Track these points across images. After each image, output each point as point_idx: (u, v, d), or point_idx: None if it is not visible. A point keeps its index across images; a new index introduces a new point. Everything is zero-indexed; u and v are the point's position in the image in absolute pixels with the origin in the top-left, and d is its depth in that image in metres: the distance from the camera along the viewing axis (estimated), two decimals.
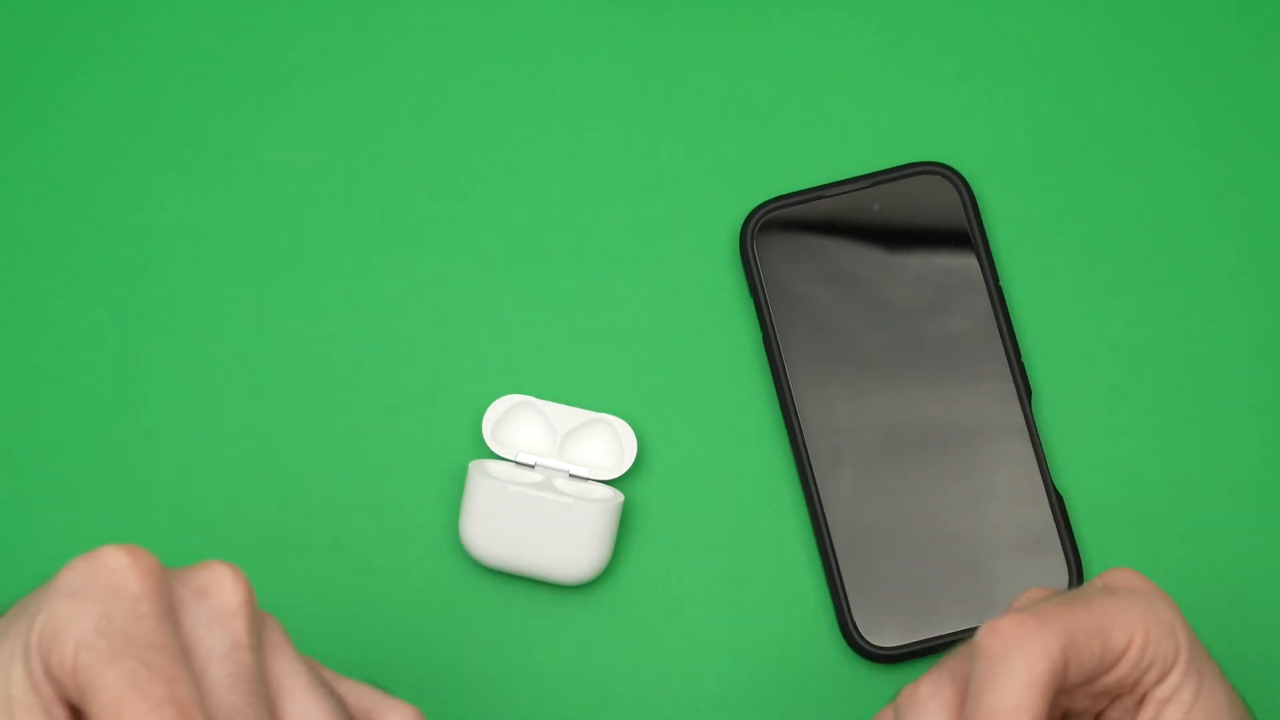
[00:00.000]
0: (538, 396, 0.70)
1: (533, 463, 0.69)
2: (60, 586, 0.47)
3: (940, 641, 0.67)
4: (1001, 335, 0.69)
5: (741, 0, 0.73)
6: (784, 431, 0.69)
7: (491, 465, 0.68)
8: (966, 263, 0.69)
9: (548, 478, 0.68)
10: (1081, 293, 0.70)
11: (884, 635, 0.67)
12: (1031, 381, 0.70)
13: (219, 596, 0.48)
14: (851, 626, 0.67)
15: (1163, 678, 0.54)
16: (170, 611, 0.47)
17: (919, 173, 0.70)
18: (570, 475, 0.69)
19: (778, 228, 0.70)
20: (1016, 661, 0.51)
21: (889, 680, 0.68)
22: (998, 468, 0.68)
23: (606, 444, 0.69)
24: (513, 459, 0.69)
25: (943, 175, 0.70)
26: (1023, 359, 0.69)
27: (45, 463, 0.70)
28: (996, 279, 0.69)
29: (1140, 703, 0.54)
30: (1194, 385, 0.70)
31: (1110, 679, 0.54)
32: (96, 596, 0.46)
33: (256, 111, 0.72)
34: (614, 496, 0.67)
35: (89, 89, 0.72)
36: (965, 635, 0.67)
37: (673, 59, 0.72)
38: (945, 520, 0.68)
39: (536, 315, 0.70)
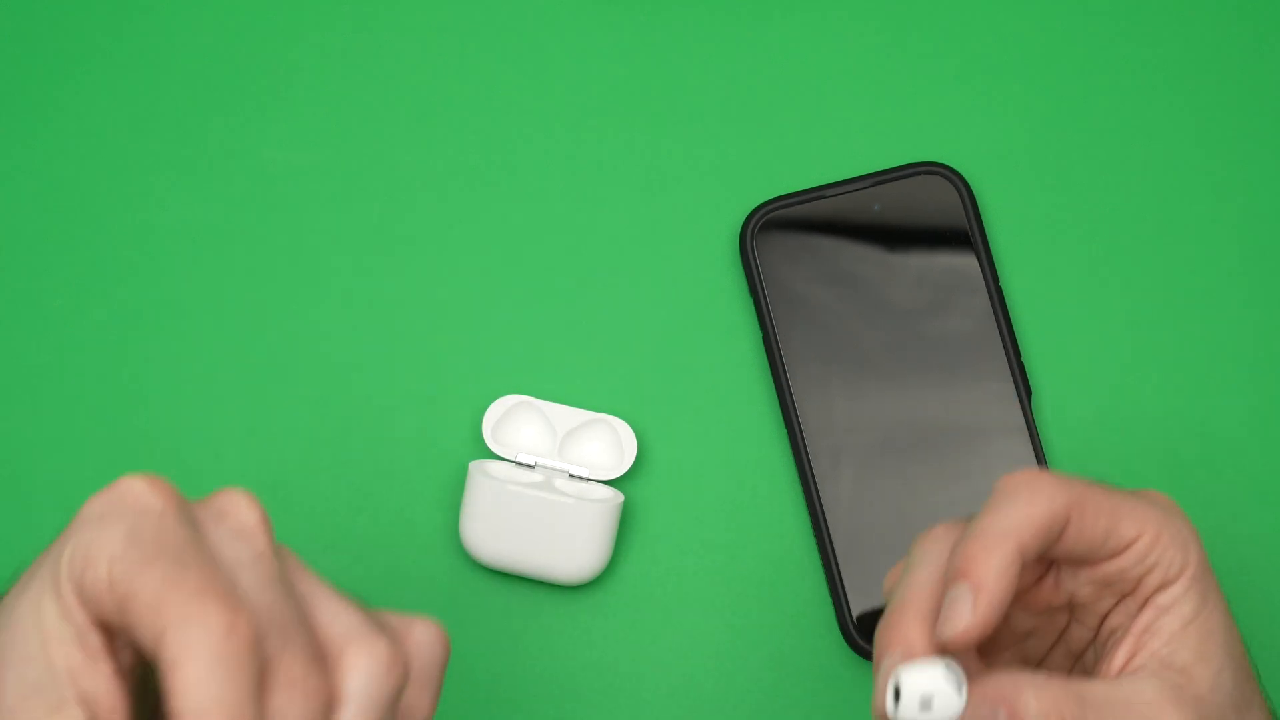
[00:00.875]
0: (537, 396, 0.70)
1: (533, 463, 0.69)
2: (84, 516, 0.48)
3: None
4: (1001, 335, 0.69)
5: (741, 0, 0.73)
6: (784, 431, 0.69)
7: (491, 465, 0.68)
8: (966, 263, 0.69)
9: (548, 478, 0.68)
10: (1081, 293, 0.70)
11: None
12: (1031, 381, 0.70)
13: (237, 516, 0.49)
14: (851, 626, 0.67)
15: (1165, 585, 0.54)
16: (194, 521, 0.48)
17: (919, 173, 0.70)
18: (570, 475, 0.69)
19: (778, 228, 0.70)
20: (1021, 497, 0.53)
21: None
22: (998, 468, 0.68)
23: (606, 444, 0.69)
24: (513, 459, 0.69)
25: (943, 175, 0.70)
26: (1023, 359, 0.69)
27: (45, 463, 0.70)
28: (996, 279, 0.69)
29: (1142, 607, 0.55)
30: (1194, 385, 0.70)
31: (1113, 567, 0.55)
32: (122, 515, 0.47)
33: (256, 111, 0.72)
34: (614, 496, 0.67)
35: (89, 89, 0.72)
36: None
37: (673, 59, 0.72)
38: (945, 520, 0.68)
39: (536, 315, 0.70)
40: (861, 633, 0.67)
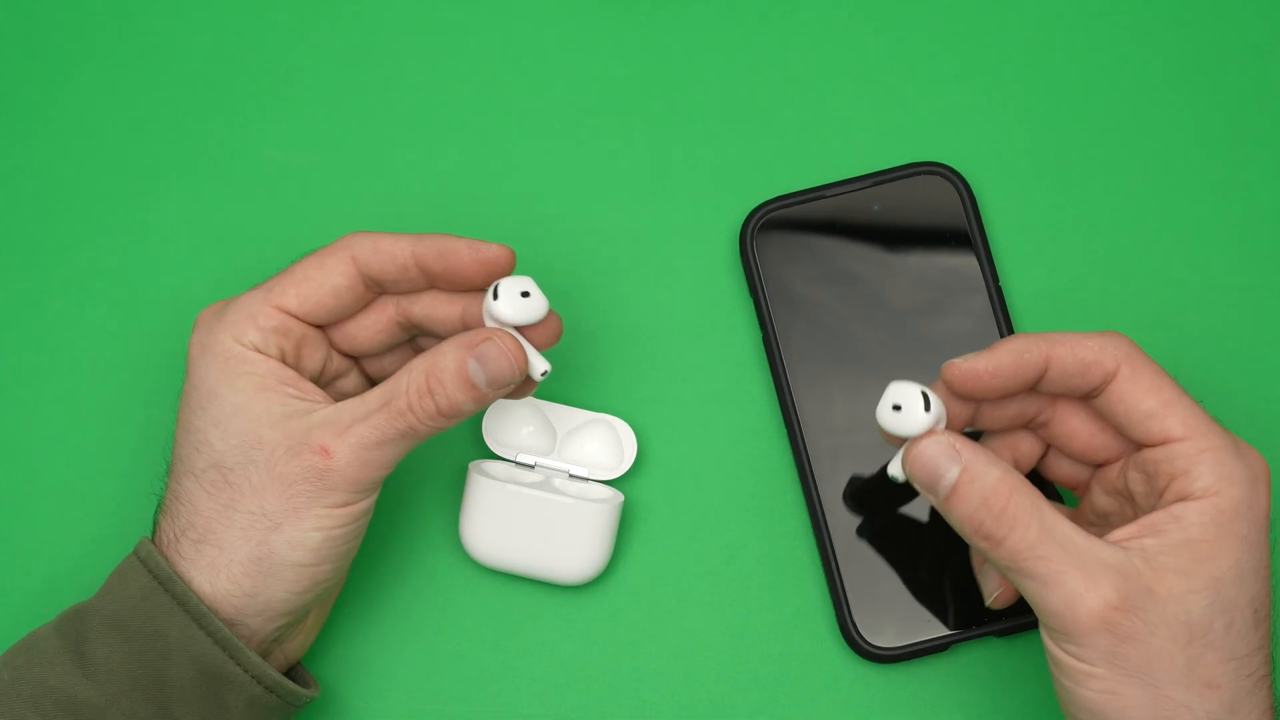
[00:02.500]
0: (538, 397, 0.70)
1: (532, 463, 0.68)
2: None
3: (940, 641, 0.67)
4: (1001, 335, 0.69)
5: (741, 0, 0.73)
6: (784, 431, 0.69)
7: (491, 465, 0.68)
8: (966, 262, 0.69)
9: (547, 478, 0.68)
10: (1081, 293, 0.70)
11: (884, 635, 0.67)
12: None
13: None
14: (851, 626, 0.67)
15: (1185, 497, 0.57)
16: None
17: (919, 173, 0.70)
18: (570, 475, 0.69)
19: (778, 228, 0.70)
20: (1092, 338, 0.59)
21: (889, 680, 0.68)
22: None
23: (606, 444, 0.69)
24: (512, 459, 0.69)
25: (943, 175, 0.70)
26: None
27: (45, 463, 0.70)
28: (996, 279, 0.69)
29: (1160, 507, 0.57)
30: (1193, 386, 0.70)
31: (1149, 456, 0.58)
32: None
33: (256, 111, 0.72)
34: (614, 496, 0.67)
35: (89, 89, 0.72)
36: (965, 635, 0.67)
37: (673, 59, 0.72)
38: (945, 520, 0.68)
39: None
40: (861, 633, 0.67)
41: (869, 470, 0.68)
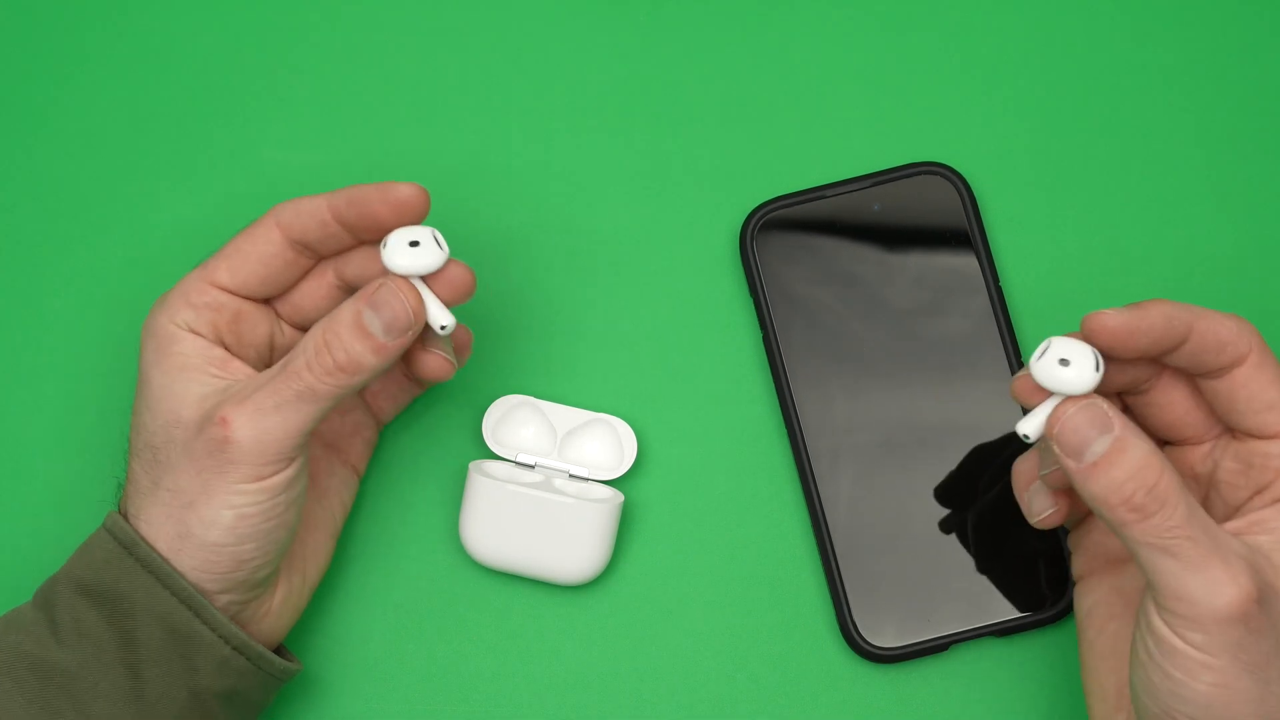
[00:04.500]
0: (538, 396, 0.70)
1: (533, 463, 0.68)
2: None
3: (940, 641, 0.67)
4: (1001, 335, 0.69)
5: (741, 1, 0.73)
6: (784, 431, 0.69)
7: (491, 465, 0.68)
8: (966, 262, 0.69)
9: (547, 478, 0.68)
10: (1081, 293, 0.70)
11: (884, 635, 0.67)
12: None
13: None
14: (851, 626, 0.67)
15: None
16: None
17: (919, 173, 0.70)
18: (570, 475, 0.69)
19: (778, 228, 0.70)
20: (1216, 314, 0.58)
21: (889, 680, 0.68)
22: (997, 467, 0.68)
23: (606, 444, 0.69)
24: (513, 459, 0.69)
25: (943, 175, 0.70)
26: (1023, 359, 0.69)
27: (45, 463, 0.70)
28: (996, 279, 0.69)
29: (1270, 504, 0.57)
30: None
31: (1259, 449, 0.57)
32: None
33: (256, 111, 0.72)
34: (614, 497, 0.67)
35: (89, 89, 0.72)
36: (965, 635, 0.67)
37: (673, 59, 0.72)
38: (945, 519, 0.68)
39: (537, 316, 0.70)
40: (861, 633, 0.67)
41: (869, 470, 0.68)
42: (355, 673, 0.68)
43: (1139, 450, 0.54)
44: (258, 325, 0.63)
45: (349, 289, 0.64)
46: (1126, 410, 0.62)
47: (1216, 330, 0.57)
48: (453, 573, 0.69)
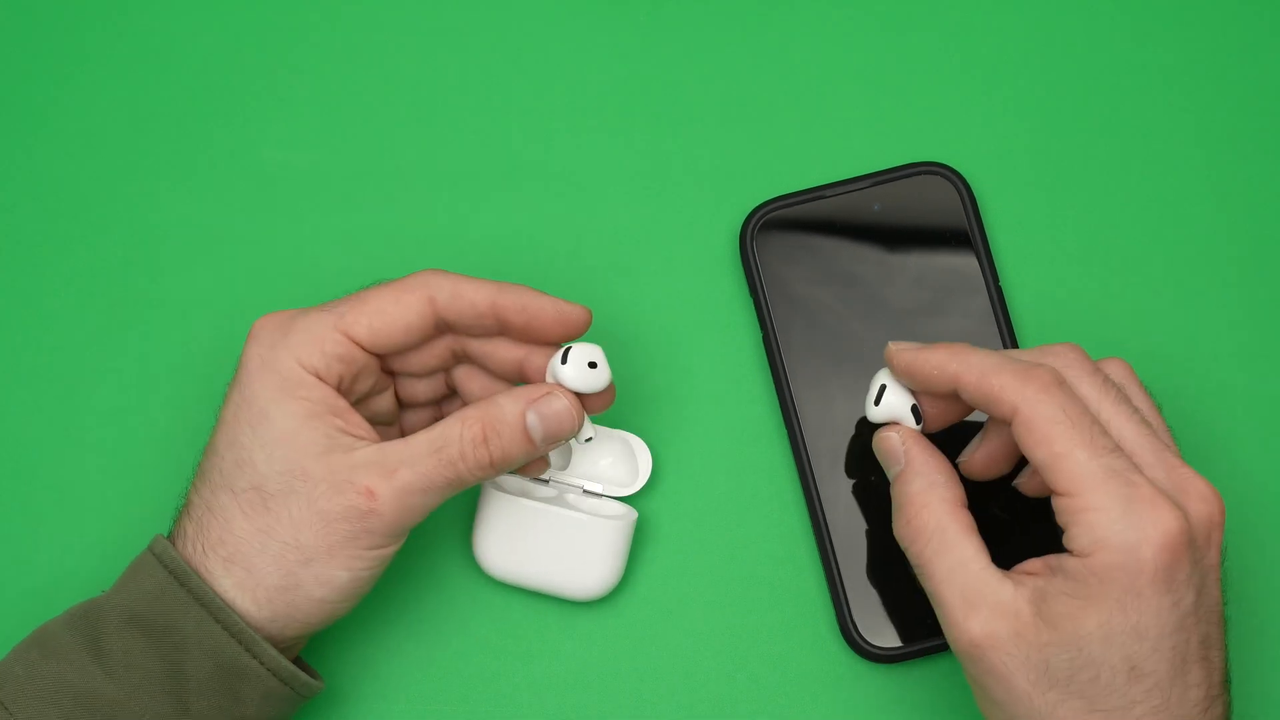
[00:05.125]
0: None
1: (547, 478, 0.68)
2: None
3: (940, 641, 0.67)
4: (1001, 335, 0.69)
5: (741, 0, 0.73)
6: (784, 431, 0.69)
7: (505, 479, 0.68)
8: (966, 262, 0.69)
9: (561, 493, 0.68)
10: (1081, 293, 0.70)
11: (884, 635, 0.67)
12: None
13: None
14: (851, 626, 0.67)
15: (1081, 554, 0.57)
16: None
17: (919, 173, 0.70)
18: (584, 491, 0.68)
19: (778, 228, 0.70)
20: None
21: (889, 680, 0.68)
22: None
23: (621, 460, 0.69)
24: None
25: (943, 175, 0.70)
26: None
27: (45, 463, 0.70)
28: (996, 279, 0.69)
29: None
30: (1193, 386, 0.70)
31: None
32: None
33: (256, 111, 0.72)
34: (628, 514, 0.67)
35: (89, 89, 0.72)
36: None
37: (673, 59, 0.72)
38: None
39: None
40: (861, 633, 0.67)
41: (869, 470, 0.68)
42: (368, 685, 0.68)
43: (911, 486, 0.60)
44: (369, 376, 0.63)
45: (463, 356, 0.64)
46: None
47: (980, 386, 0.59)
48: (465, 586, 0.69)
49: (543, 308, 0.62)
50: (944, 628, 0.58)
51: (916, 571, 0.59)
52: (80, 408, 0.70)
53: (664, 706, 0.68)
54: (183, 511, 0.62)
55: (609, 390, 0.63)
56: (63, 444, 0.70)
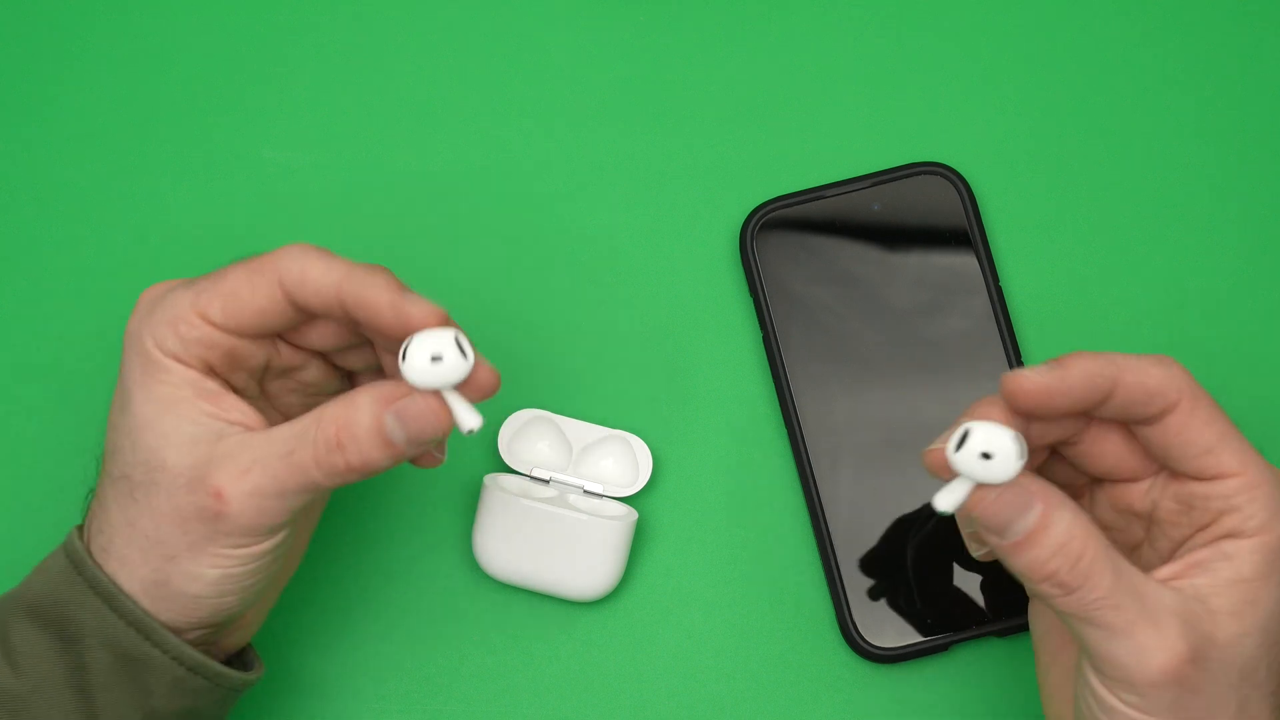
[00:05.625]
0: (541, 400, 0.69)
1: (547, 478, 0.68)
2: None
3: (940, 641, 0.67)
4: (1001, 335, 0.69)
5: (741, 0, 0.72)
6: (784, 431, 0.69)
7: (506, 479, 0.68)
8: (966, 263, 0.69)
9: (562, 493, 0.68)
10: (1081, 293, 0.70)
11: (884, 635, 0.67)
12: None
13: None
14: (851, 626, 0.67)
15: (1237, 535, 0.55)
16: None
17: (919, 173, 0.70)
18: (585, 491, 0.68)
19: (778, 228, 0.70)
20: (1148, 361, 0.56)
21: (889, 680, 0.68)
22: None
23: (622, 460, 0.69)
24: (528, 474, 0.69)
25: (943, 175, 0.70)
26: (1022, 359, 0.69)
27: (45, 462, 0.70)
28: (996, 279, 0.69)
29: (1207, 544, 0.56)
30: None
31: (1199, 490, 0.56)
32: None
33: (257, 111, 0.72)
34: (628, 514, 0.67)
35: (89, 89, 0.72)
36: (965, 635, 0.67)
37: (673, 59, 0.72)
38: (945, 520, 0.68)
39: (535, 317, 0.70)
40: (861, 633, 0.67)
41: (869, 470, 0.68)
42: (367, 684, 0.68)
43: (1061, 526, 0.53)
44: (253, 353, 0.59)
45: (357, 333, 0.59)
46: (1056, 457, 0.60)
47: (1143, 382, 0.55)
48: (465, 586, 0.69)
49: (379, 306, 0.55)
50: (1132, 662, 0.53)
51: (1082, 614, 0.53)
52: (80, 407, 0.70)
53: (664, 706, 0.68)
54: (88, 498, 0.60)
55: (480, 375, 0.55)
56: (61, 443, 0.70)
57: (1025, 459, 0.53)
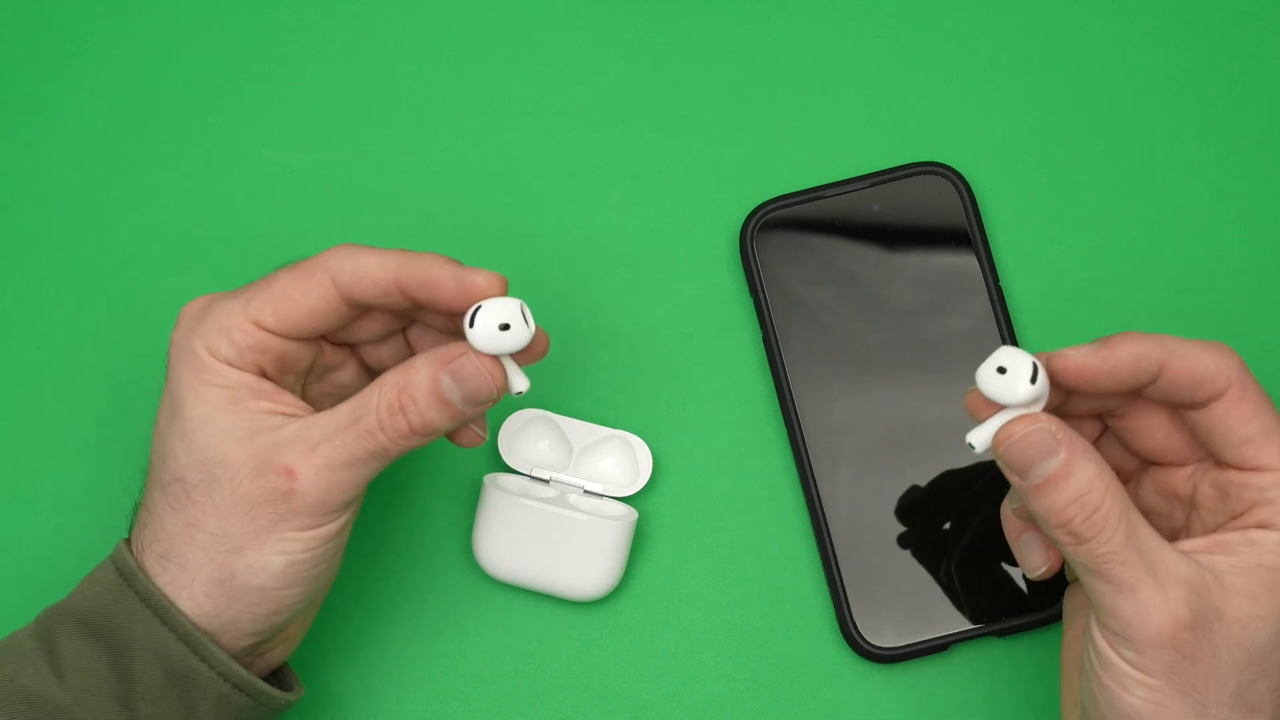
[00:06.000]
0: (541, 399, 0.69)
1: (547, 478, 0.68)
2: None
3: (940, 641, 0.67)
4: (1001, 335, 0.69)
5: (741, 0, 0.72)
6: (784, 431, 0.69)
7: (506, 479, 0.68)
8: (966, 262, 0.69)
9: (562, 493, 0.68)
10: (1081, 293, 0.70)
11: (884, 635, 0.67)
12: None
13: None
14: (851, 626, 0.67)
15: (1270, 526, 0.55)
16: None
17: (919, 173, 0.70)
18: (585, 491, 0.68)
19: (778, 228, 0.70)
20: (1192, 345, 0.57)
21: (889, 680, 0.68)
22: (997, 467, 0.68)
23: (622, 460, 0.69)
24: (528, 473, 0.69)
25: (943, 175, 0.70)
26: None
27: (45, 462, 0.70)
28: (996, 279, 0.69)
29: (1239, 529, 0.56)
30: None
31: (1236, 479, 0.57)
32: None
33: (257, 111, 0.72)
34: (628, 514, 0.67)
35: (89, 89, 0.72)
36: (965, 635, 0.67)
37: (673, 59, 0.72)
38: (945, 520, 0.68)
39: (535, 317, 0.70)
40: (861, 633, 0.67)
41: (869, 470, 0.68)
42: (367, 685, 0.68)
43: (1083, 476, 0.54)
44: (302, 357, 0.60)
45: (398, 320, 0.61)
46: (1106, 436, 0.62)
47: (1192, 367, 0.56)
48: (465, 585, 0.69)
49: (442, 281, 0.57)
50: (1133, 618, 0.54)
51: (1091, 566, 0.54)
52: (79, 407, 0.70)
53: (664, 706, 0.68)
54: (134, 513, 0.60)
55: (537, 340, 0.59)
56: (61, 444, 0.70)
57: (1040, 387, 0.54)
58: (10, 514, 0.69)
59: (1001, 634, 0.67)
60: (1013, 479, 0.55)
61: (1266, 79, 0.72)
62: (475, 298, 0.57)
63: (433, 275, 0.58)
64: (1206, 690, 0.54)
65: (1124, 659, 0.55)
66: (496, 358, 0.57)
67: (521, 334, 0.57)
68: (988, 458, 0.56)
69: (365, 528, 0.69)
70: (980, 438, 0.55)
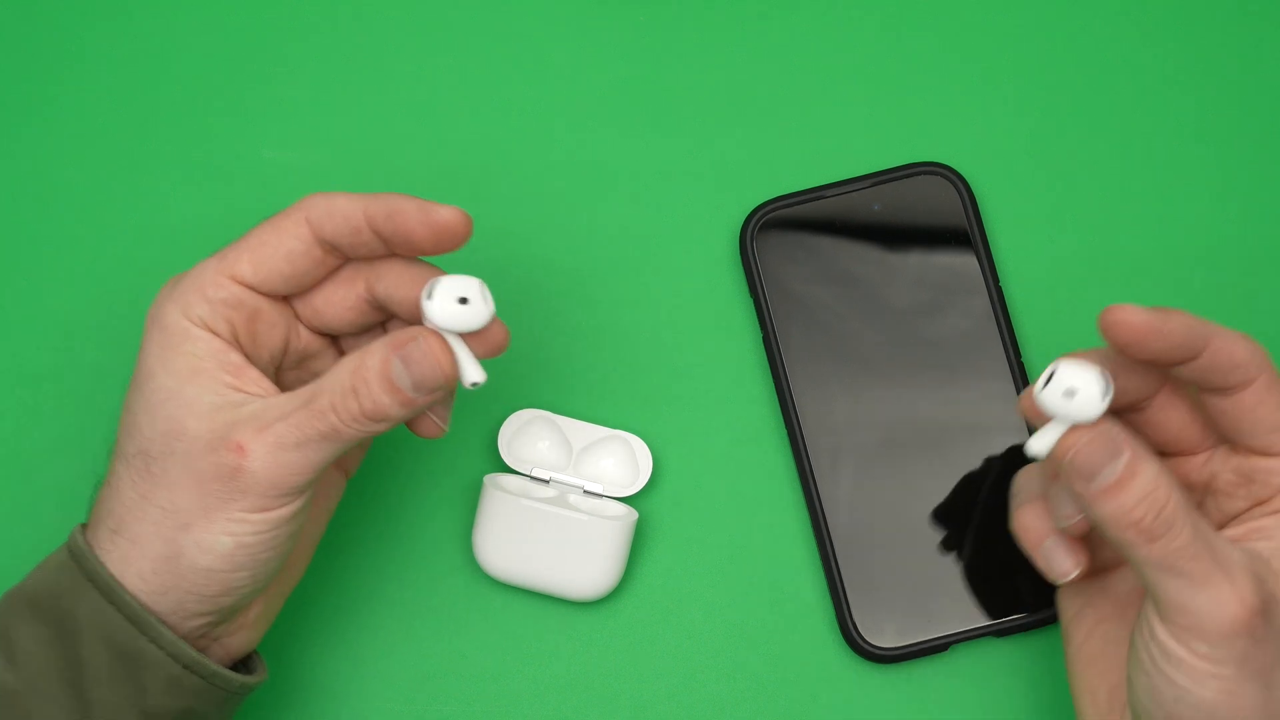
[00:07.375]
0: (542, 400, 0.69)
1: (547, 478, 0.68)
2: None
3: (940, 641, 0.67)
4: (1001, 335, 0.69)
5: (741, 0, 0.72)
6: (784, 431, 0.69)
7: (506, 479, 0.68)
8: (966, 262, 0.69)
9: (562, 493, 0.68)
10: (1081, 293, 0.70)
11: (884, 635, 0.67)
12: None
13: None
14: (851, 626, 0.67)
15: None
16: None
17: (919, 173, 0.70)
18: (585, 491, 0.68)
19: (778, 228, 0.70)
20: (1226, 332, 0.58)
21: (889, 680, 0.68)
22: (997, 467, 0.68)
23: (622, 460, 0.69)
24: (528, 474, 0.69)
25: (943, 175, 0.70)
26: (1022, 359, 0.69)
27: (45, 463, 0.70)
28: (996, 279, 0.69)
29: (1266, 515, 0.57)
30: None
31: (1261, 465, 0.58)
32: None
33: (257, 111, 0.72)
34: (628, 514, 0.67)
35: (89, 89, 0.72)
36: (965, 635, 0.67)
37: (673, 59, 0.72)
38: (945, 520, 0.68)
39: (536, 317, 0.70)
40: (861, 633, 0.67)
41: (869, 470, 0.68)
42: (367, 684, 0.68)
43: (1149, 474, 0.54)
44: (275, 326, 0.60)
45: (378, 305, 0.61)
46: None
47: (1232, 350, 0.57)
48: (465, 586, 0.69)
49: (406, 210, 0.57)
50: (1210, 610, 0.54)
51: (1165, 563, 0.54)
52: (79, 407, 0.70)
53: (664, 706, 0.68)
54: (97, 488, 0.60)
55: (494, 329, 0.57)
56: (61, 444, 0.70)
57: (1110, 398, 0.54)
58: (10, 514, 0.69)
59: (1001, 634, 0.67)
60: (1077, 488, 0.54)
61: (1266, 79, 0.72)
62: (441, 232, 0.57)
63: (398, 205, 0.57)
64: (1273, 672, 0.54)
65: (1196, 654, 0.54)
66: (448, 346, 0.56)
67: (480, 311, 0.56)
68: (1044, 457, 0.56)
69: (365, 527, 0.69)
70: (1043, 445, 0.55)
